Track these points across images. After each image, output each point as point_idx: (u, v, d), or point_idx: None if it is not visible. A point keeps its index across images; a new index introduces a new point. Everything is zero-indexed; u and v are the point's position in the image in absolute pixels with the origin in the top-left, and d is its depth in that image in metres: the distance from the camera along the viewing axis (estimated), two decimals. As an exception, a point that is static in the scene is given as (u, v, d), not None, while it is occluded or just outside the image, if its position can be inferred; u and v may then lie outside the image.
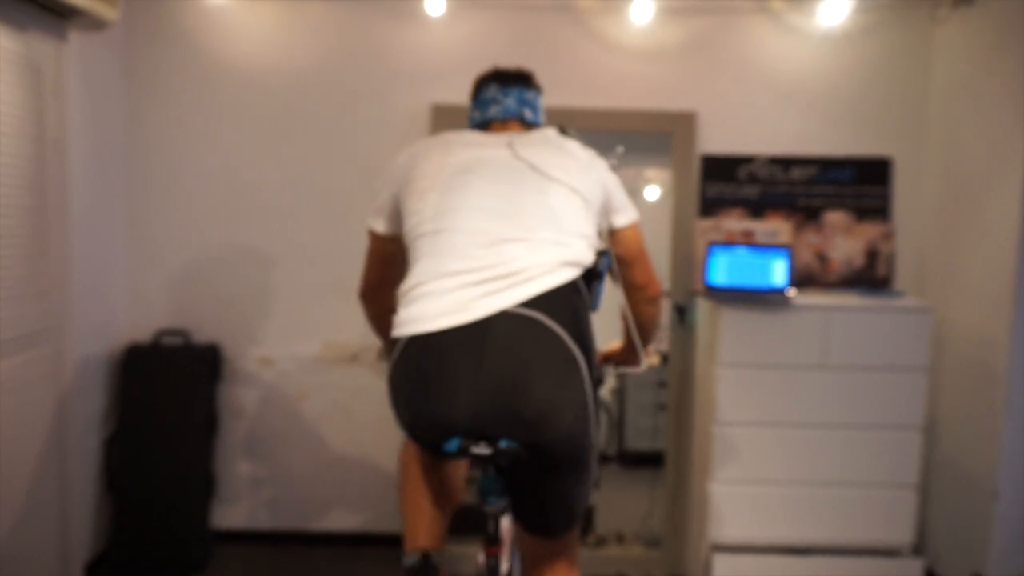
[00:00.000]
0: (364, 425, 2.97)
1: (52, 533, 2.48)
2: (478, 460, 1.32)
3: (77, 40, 2.52)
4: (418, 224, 1.48)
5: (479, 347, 1.32)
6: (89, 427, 2.71)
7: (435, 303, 1.36)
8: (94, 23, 2.48)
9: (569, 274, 1.41)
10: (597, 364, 1.58)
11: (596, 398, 1.45)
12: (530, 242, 1.41)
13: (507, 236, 1.41)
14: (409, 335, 1.37)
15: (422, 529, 1.46)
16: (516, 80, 1.71)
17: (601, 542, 2.98)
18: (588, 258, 1.46)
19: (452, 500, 1.53)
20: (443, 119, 2.81)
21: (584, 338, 1.40)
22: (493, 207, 1.44)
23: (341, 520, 3.03)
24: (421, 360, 1.36)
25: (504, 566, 1.47)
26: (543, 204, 1.45)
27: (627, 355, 1.83)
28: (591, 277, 1.48)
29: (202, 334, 2.93)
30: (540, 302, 1.36)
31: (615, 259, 1.65)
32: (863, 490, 2.58)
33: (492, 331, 1.32)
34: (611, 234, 1.63)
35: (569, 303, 1.40)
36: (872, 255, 2.89)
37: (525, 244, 1.40)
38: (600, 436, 1.51)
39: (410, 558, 1.42)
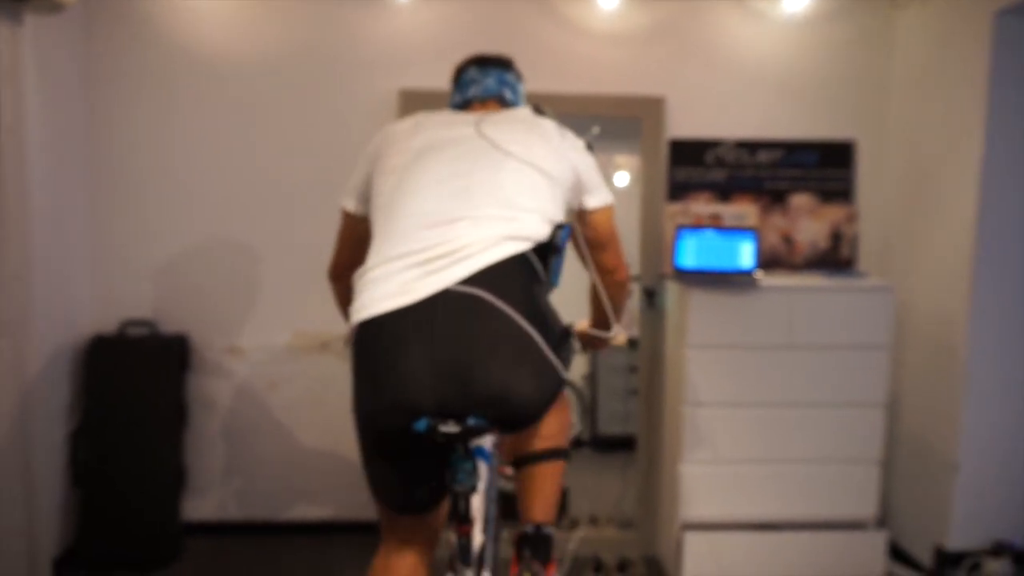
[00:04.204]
0: (335, 414, 2.95)
1: (18, 529, 2.43)
2: (447, 439, 1.33)
3: (33, 23, 2.45)
4: (377, 206, 1.49)
5: (427, 328, 1.32)
6: (54, 420, 2.66)
7: (380, 288, 1.37)
8: (51, 6, 2.41)
9: (514, 247, 1.40)
10: (572, 333, 1.59)
11: (563, 357, 1.45)
12: (475, 219, 1.40)
13: (454, 215, 1.41)
14: (359, 322, 1.38)
15: None
16: (495, 62, 1.73)
17: (575, 525, 3.01)
18: (540, 232, 1.45)
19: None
20: (411, 104, 2.79)
21: (536, 310, 1.39)
22: (445, 187, 1.44)
23: (313, 509, 3.02)
24: (372, 345, 1.36)
25: (476, 543, 1.48)
26: (494, 180, 1.45)
27: (597, 327, 1.83)
28: (548, 251, 1.47)
29: (169, 324, 2.89)
30: (481, 278, 1.35)
31: (585, 241, 1.65)
32: (828, 466, 2.64)
33: (436, 310, 1.32)
34: (581, 215, 1.63)
35: (515, 277, 1.39)
36: (836, 237, 2.94)
37: (470, 221, 1.40)
38: (569, 367, 1.52)
39: None
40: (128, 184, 2.86)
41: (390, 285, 1.36)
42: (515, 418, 1.37)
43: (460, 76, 1.74)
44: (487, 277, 1.35)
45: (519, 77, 1.77)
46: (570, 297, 1.56)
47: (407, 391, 1.32)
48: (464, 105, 1.70)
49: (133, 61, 2.82)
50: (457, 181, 1.45)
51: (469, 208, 1.41)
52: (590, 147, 1.63)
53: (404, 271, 1.36)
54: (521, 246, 1.41)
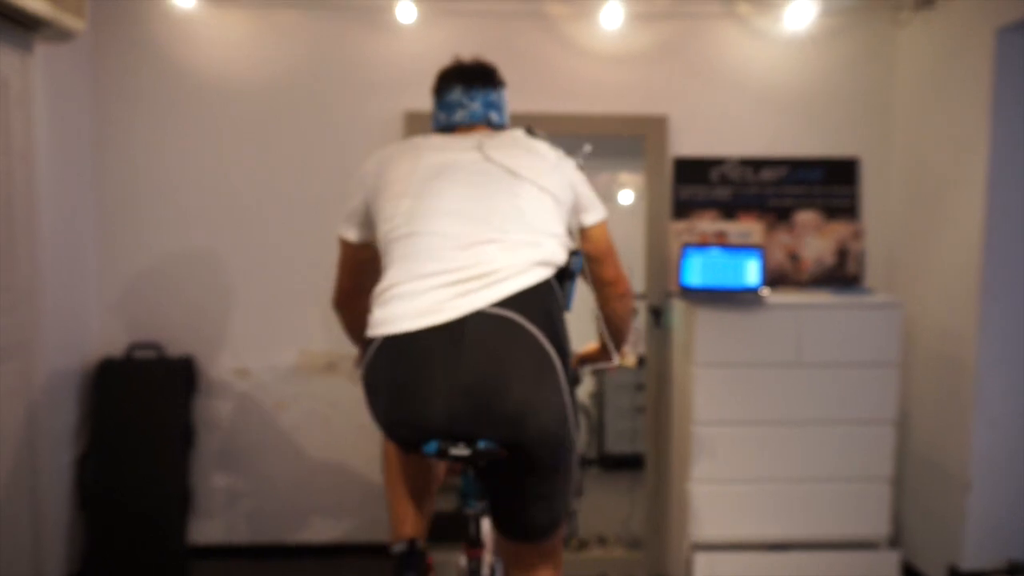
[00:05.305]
0: (342, 434, 2.95)
1: (24, 554, 2.42)
2: (457, 461, 1.32)
3: (43, 51, 2.49)
4: (392, 229, 1.48)
5: (454, 348, 1.32)
6: (61, 444, 2.66)
7: (410, 304, 1.37)
8: (60, 34, 2.45)
9: (542, 274, 1.42)
10: (573, 365, 1.59)
11: (573, 397, 1.45)
12: (504, 243, 1.42)
13: (481, 238, 1.42)
14: (384, 335, 1.38)
15: (408, 519, 1.52)
16: (480, 79, 1.69)
17: (583, 545, 2.98)
18: (560, 257, 1.48)
19: (432, 488, 1.57)
20: (416, 126, 2.81)
21: (558, 337, 1.41)
22: (466, 210, 1.45)
23: (321, 531, 3.00)
24: (396, 361, 1.36)
25: (486, 569, 1.47)
26: (514, 205, 1.46)
27: (601, 355, 1.84)
28: (563, 276, 1.49)
29: (176, 346, 2.89)
30: (514, 302, 1.37)
31: (584, 257, 1.66)
32: (839, 485, 2.62)
33: (467, 331, 1.33)
34: (580, 232, 1.64)
35: (543, 303, 1.41)
36: (842, 254, 2.93)
37: (499, 245, 1.41)
38: (580, 439, 1.52)
39: (398, 547, 1.48)
40: (136, 207, 2.88)
41: (421, 302, 1.36)
42: (527, 441, 1.36)
43: (443, 93, 1.69)
44: (519, 301, 1.37)
45: (502, 86, 1.72)
46: (571, 317, 1.56)
47: (420, 411, 1.33)
48: (449, 128, 1.67)
49: (141, 86, 2.85)
50: (476, 204, 1.46)
51: (496, 232, 1.43)
52: (581, 166, 1.64)
53: (436, 290, 1.37)
54: (547, 272, 1.44)
